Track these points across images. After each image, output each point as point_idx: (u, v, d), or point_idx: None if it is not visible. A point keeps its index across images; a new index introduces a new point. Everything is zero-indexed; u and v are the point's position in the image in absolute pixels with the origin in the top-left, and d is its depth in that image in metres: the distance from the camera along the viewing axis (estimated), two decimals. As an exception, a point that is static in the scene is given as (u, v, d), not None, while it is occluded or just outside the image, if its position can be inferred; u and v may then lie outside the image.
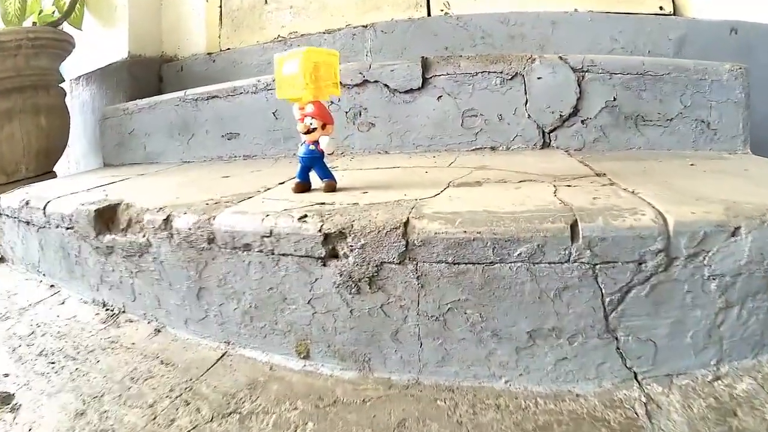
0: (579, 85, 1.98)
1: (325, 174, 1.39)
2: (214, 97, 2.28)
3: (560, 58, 1.99)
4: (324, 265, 1.11)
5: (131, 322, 1.32)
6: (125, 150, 2.54)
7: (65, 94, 2.60)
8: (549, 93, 1.99)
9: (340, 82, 2.06)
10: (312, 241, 1.10)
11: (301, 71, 1.29)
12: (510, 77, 2.00)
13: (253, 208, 1.26)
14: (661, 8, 2.61)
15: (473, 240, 1.01)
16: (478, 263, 1.02)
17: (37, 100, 2.36)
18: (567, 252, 0.95)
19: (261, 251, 1.16)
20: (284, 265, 1.14)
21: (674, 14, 2.59)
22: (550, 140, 2.02)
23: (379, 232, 1.05)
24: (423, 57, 2.05)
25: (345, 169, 1.74)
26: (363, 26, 2.72)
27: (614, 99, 1.96)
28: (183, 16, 3.15)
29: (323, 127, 1.34)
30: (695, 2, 2.56)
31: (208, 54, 2.99)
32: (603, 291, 0.95)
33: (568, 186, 1.25)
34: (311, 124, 1.33)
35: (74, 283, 1.50)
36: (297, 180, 1.40)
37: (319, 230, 1.09)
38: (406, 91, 2.08)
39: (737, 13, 2.41)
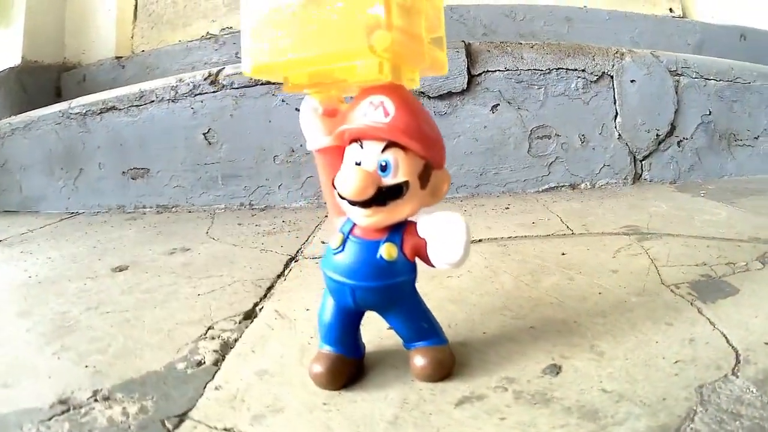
0: (676, 93, 1.24)
1: (424, 331, 0.44)
2: (110, 109, 1.22)
3: (653, 54, 1.22)
4: None
5: None
6: (-2, 190, 1.39)
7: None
8: (644, 103, 1.23)
9: None
10: None
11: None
12: (595, 78, 1.18)
13: None
14: (671, 10, 2.09)
15: None
16: None
17: None
18: None
19: None
20: None
21: (683, 16, 2.12)
22: (642, 171, 1.25)
23: None
24: (466, 42, 1.14)
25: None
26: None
27: (709, 113, 1.28)
28: (90, 11, 2.07)
29: (424, 177, 0.39)
30: (702, 5, 2.11)
31: (117, 58, 2.00)
32: None
33: None
34: (385, 165, 0.38)
35: None
36: (326, 349, 0.44)
37: None
38: (441, 96, 1.17)
39: (743, 19, 2.03)
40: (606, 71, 1.18)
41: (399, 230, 0.40)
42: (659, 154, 1.24)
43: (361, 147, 0.38)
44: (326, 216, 1.07)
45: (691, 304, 0.56)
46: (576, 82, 1.18)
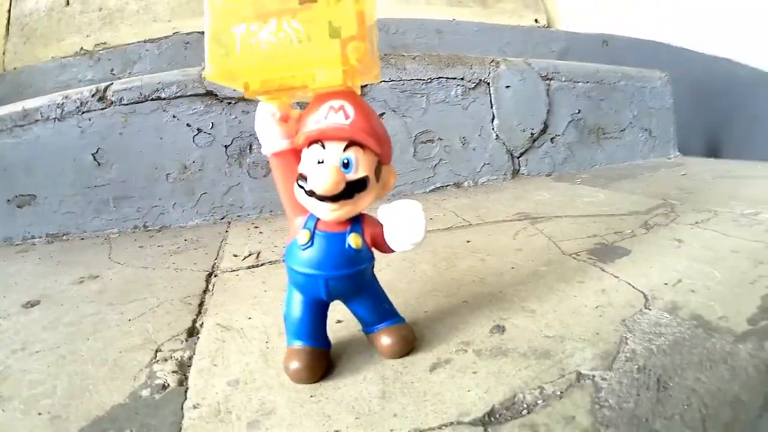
0: (548, 96, 1.42)
1: (386, 312, 0.48)
2: (-10, 131, 1.09)
3: (525, 62, 1.36)
4: None
5: None
6: None
7: None
8: (519, 106, 1.39)
9: (215, 94, 1.14)
10: None
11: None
12: (473, 85, 1.30)
13: None
14: (536, 21, 2.31)
15: None
16: None
17: None
18: None
19: None
20: None
21: (548, 27, 2.33)
22: (520, 166, 1.40)
23: None
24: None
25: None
26: (199, 33, 1.72)
27: (579, 111, 1.47)
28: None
29: (377, 171, 0.43)
30: (566, 16, 2.34)
31: (-13, 77, 1.79)
32: None
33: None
34: (347, 162, 0.41)
35: None
36: (299, 345, 0.45)
37: None
38: None
39: (605, 26, 2.25)
40: (483, 79, 1.31)
41: (359, 221, 0.44)
42: (534, 151, 1.40)
43: (323, 147, 0.40)
44: (227, 231, 1.06)
45: (594, 265, 0.66)
46: (455, 90, 1.29)
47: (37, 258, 0.97)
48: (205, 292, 0.70)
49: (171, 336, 0.57)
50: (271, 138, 0.43)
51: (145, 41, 1.72)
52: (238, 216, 1.17)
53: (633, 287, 0.58)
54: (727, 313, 0.51)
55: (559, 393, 0.39)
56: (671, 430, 0.35)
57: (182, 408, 0.42)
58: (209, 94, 1.12)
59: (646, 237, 0.76)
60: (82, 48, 1.77)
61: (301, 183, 0.41)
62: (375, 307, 0.46)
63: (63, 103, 1.08)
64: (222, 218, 1.16)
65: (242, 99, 1.14)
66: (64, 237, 1.11)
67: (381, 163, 0.43)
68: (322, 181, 0.39)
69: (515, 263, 0.69)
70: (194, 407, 0.42)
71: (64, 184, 1.10)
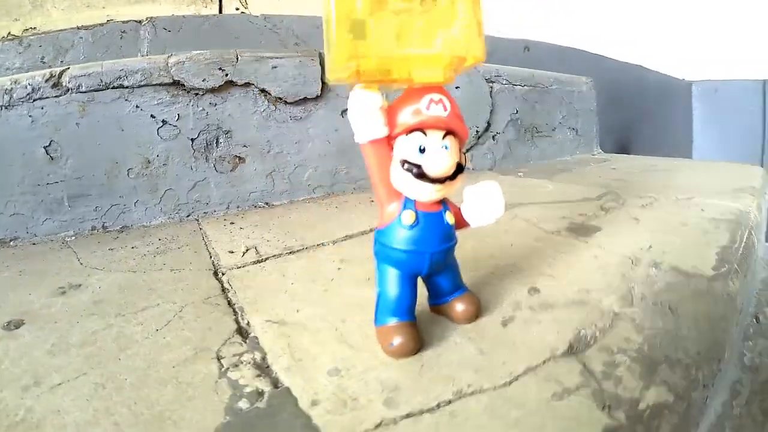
0: (491, 97, 1.58)
1: (459, 284, 0.55)
2: None
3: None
4: None
5: None
6: None
7: None
8: (467, 105, 1.53)
9: (182, 84, 1.15)
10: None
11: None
12: (430, 86, 1.39)
13: None
14: None
15: None
16: None
17: None
18: None
19: None
20: None
21: None
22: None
23: None
24: (319, 50, 1.26)
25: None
26: (136, 21, 1.69)
27: (517, 112, 1.67)
28: None
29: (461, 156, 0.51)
30: (490, 21, 2.45)
31: None
32: None
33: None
34: (445, 148, 0.47)
35: None
36: (394, 321, 0.48)
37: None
38: (297, 102, 1.26)
39: (526, 33, 2.47)
40: (438, 79, 1.43)
41: (444, 202, 0.50)
42: (479, 147, 1.55)
43: (425, 135, 0.46)
44: (201, 228, 1.06)
45: (576, 239, 0.79)
46: (411, 89, 1.40)
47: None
48: (224, 290, 0.67)
49: (223, 340, 0.52)
50: (373, 126, 0.48)
51: (78, 28, 1.63)
52: (205, 213, 1.16)
53: (617, 253, 0.72)
54: (696, 264, 0.67)
55: (608, 325, 0.51)
56: (692, 333, 0.50)
57: (299, 409, 0.40)
58: (176, 83, 1.11)
59: (607, 217, 0.92)
60: (9, 32, 1.64)
61: (407, 167, 0.46)
62: (454, 277, 0.53)
63: (12, 88, 1.00)
64: (188, 216, 1.15)
65: (210, 90, 1.15)
66: (11, 243, 1.02)
67: (463, 145, 0.49)
68: (440, 165, 0.45)
69: (512, 241, 0.80)
70: (313, 404, 0.40)
71: (12, 182, 1.02)
